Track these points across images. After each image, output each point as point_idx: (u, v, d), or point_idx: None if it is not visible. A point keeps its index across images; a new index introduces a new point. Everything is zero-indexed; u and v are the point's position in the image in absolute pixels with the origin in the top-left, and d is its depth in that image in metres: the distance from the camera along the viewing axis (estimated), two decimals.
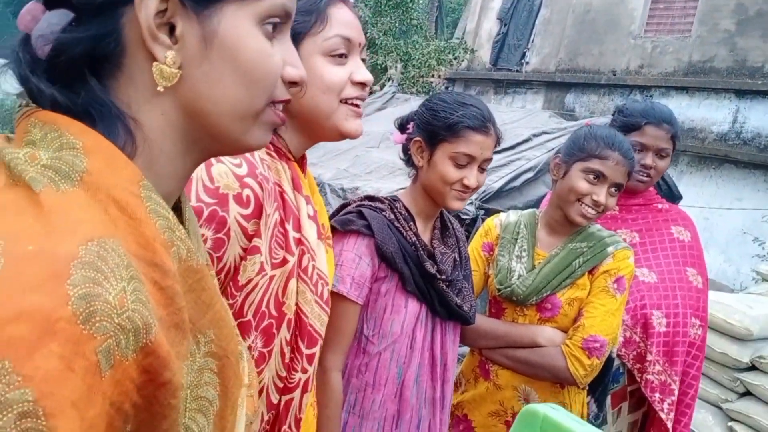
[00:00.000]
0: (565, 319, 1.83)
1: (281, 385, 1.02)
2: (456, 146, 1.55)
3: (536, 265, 1.87)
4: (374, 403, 1.56)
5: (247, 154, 0.97)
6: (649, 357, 2.00)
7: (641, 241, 2.18)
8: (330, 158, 6.65)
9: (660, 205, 2.25)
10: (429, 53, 11.25)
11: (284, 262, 1.01)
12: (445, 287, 1.60)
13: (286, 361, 1.03)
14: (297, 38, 1.06)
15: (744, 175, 9.28)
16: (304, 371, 1.06)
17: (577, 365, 1.76)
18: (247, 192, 0.94)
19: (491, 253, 1.98)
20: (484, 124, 1.56)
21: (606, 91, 11.28)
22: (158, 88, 0.57)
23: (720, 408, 3.79)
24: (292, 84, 0.66)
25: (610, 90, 11.19)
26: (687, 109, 10.09)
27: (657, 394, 1.99)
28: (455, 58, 11.66)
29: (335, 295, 1.47)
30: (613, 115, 2.28)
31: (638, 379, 2.04)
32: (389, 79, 11.07)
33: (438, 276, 1.58)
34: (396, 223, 1.58)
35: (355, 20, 1.14)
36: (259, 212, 0.95)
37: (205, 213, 0.89)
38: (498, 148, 5.38)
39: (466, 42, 12.21)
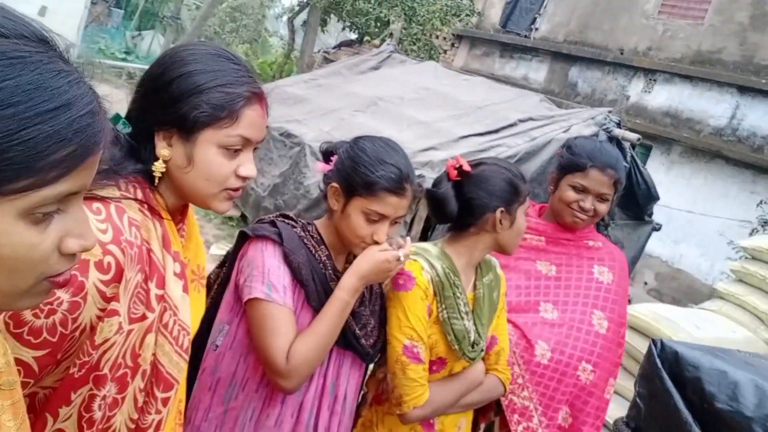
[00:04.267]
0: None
1: (133, 426, 1.11)
2: (370, 204, 1.55)
3: (472, 313, 1.83)
4: (269, 418, 1.58)
5: (114, 218, 1.02)
6: (520, 381, 2.06)
7: (556, 276, 2.19)
8: (315, 117, 6.58)
9: (591, 242, 2.25)
10: (434, 11, 10.96)
11: (143, 317, 1.07)
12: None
13: (139, 405, 1.10)
14: (199, 126, 1.11)
15: (733, 173, 9.26)
16: (158, 412, 1.14)
17: (507, 383, 1.93)
18: (108, 259, 0.98)
19: (430, 313, 1.75)
20: (401, 185, 1.56)
21: (610, 70, 11.10)
22: None
23: None
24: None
25: (615, 69, 11.01)
26: (688, 99, 9.97)
27: (516, 416, 2.05)
28: (460, 20, 11.38)
29: (268, 304, 1.49)
30: (562, 148, 2.27)
31: (502, 399, 2.07)
32: (390, 35, 10.82)
33: None
34: (306, 240, 1.60)
35: (262, 119, 1.19)
36: (119, 277, 1.00)
37: None
38: (482, 131, 5.31)
39: (473, 3, 11.90)
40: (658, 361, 0.52)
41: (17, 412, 0.74)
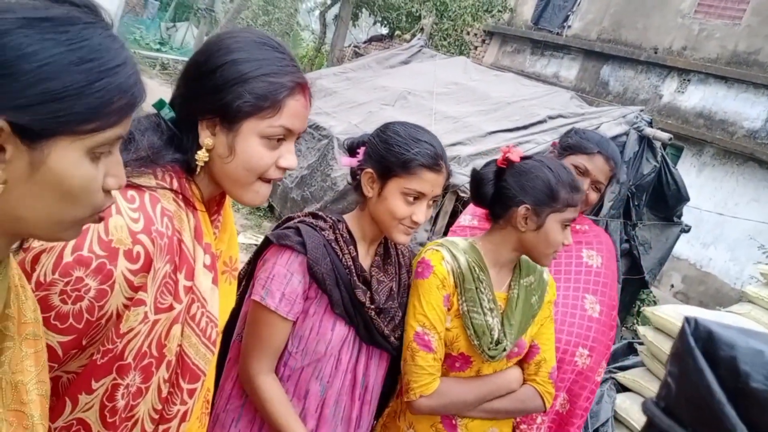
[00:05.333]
0: (523, 354, 1.83)
1: (156, 416, 1.10)
2: (408, 183, 1.55)
3: (502, 313, 1.77)
4: None
5: (148, 207, 1.02)
6: None
7: None
8: (343, 110, 6.61)
9: (578, 226, 2.24)
10: (466, 7, 10.92)
11: (170, 308, 1.06)
12: (374, 315, 1.61)
13: (163, 395, 1.10)
14: (242, 116, 1.09)
15: (766, 177, 9.08)
16: (183, 403, 1.14)
17: (549, 397, 1.83)
18: (138, 248, 0.98)
19: (450, 305, 1.73)
20: (437, 162, 1.56)
21: (643, 69, 10.95)
22: None
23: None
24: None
25: (648, 68, 10.86)
26: (722, 100, 9.80)
27: None
28: (492, 16, 11.33)
29: (262, 307, 1.53)
30: (568, 133, 2.26)
31: None
32: (421, 30, 10.81)
33: (367, 305, 1.59)
34: (334, 244, 1.58)
35: (305, 110, 1.17)
36: (147, 267, 1.00)
37: (93, 264, 0.93)
38: (510, 127, 5.28)
39: None
40: (691, 339, 0.52)
41: (38, 360, 0.83)
